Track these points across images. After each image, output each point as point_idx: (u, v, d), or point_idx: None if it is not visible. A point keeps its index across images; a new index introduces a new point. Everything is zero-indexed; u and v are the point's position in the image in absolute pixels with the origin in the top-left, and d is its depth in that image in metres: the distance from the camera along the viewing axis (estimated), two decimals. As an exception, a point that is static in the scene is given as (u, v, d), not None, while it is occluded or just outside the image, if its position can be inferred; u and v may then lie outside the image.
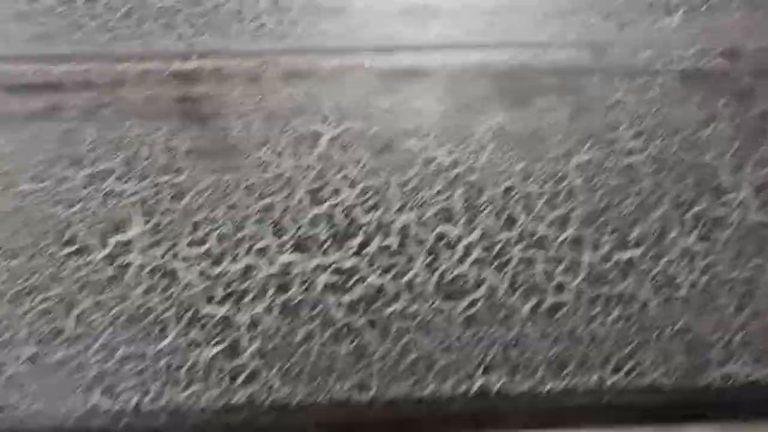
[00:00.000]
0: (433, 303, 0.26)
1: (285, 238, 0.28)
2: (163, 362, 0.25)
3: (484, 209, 0.28)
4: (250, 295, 0.27)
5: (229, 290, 0.27)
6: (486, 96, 0.30)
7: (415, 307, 0.26)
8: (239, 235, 0.28)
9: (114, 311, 0.26)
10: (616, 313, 0.27)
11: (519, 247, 0.27)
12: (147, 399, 0.25)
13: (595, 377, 0.26)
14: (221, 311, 0.26)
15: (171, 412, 0.25)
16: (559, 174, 0.29)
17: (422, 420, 0.25)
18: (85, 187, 0.28)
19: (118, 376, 0.25)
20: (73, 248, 0.27)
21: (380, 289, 0.27)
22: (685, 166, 0.29)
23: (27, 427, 0.25)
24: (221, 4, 0.32)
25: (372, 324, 0.26)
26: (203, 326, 0.26)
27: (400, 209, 0.28)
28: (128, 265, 0.27)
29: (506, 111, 0.30)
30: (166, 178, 0.29)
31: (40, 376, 0.25)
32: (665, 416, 0.27)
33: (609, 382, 0.26)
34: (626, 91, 0.30)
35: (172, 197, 0.28)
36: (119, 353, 0.25)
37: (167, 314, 0.26)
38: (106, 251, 0.27)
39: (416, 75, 0.30)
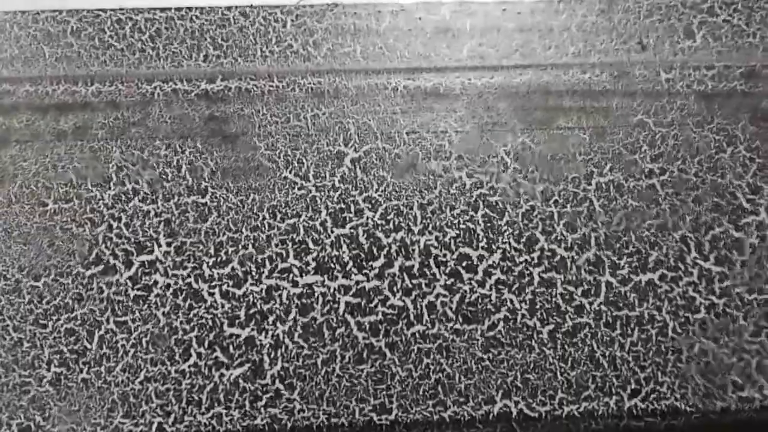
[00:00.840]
0: (453, 325, 0.27)
1: (308, 259, 0.28)
2: (185, 383, 0.26)
3: (505, 231, 0.28)
4: (273, 316, 0.27)
5: (253, 311, 0.27)
6: (508, 117, 0.30)
7: (436, 329, 0.27)
8: (262, 256, 0.28)
9: (138, 332, 0.26)
10: (634, 336, 0.27)
11: (539, 269, 0.28)
12: (169, 421, 0.25)
13: (613, 401, 0.26)
14: (244, 332, 0.27)
15: (194, 432, 0.25)
16: (580, 195, 0.29)
17: (443, 442, 0.25)
18: (111, 208, 0.29)
19: (140, 397, 0.25)
20: (99, 269, 0.28)
21: (402, 311, 0.27)
22: (704, 188, 0.29)
23: (53, 445, 0.25)
24: (246, 26, 0.32)
25: (393, 346, 0.26)
26: (226, 348, 0.26)
27: (422, 231, 0.28)
28: (153, 285, 0.27)
29: (528, 132, 0.30)
30: (191, 199, 0.29)
31: (62, 397, 0.25)
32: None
33: (627, 406, 0.26)
34: (647, 113, 0.30)
35: (196, 218, 0.29)
36: (142, 374, 0.26)
37: (190, 335, 0.26)
38: (131, 272, 0.28)
39: (440, 96, 0.30)
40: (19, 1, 0.34)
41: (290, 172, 0.29)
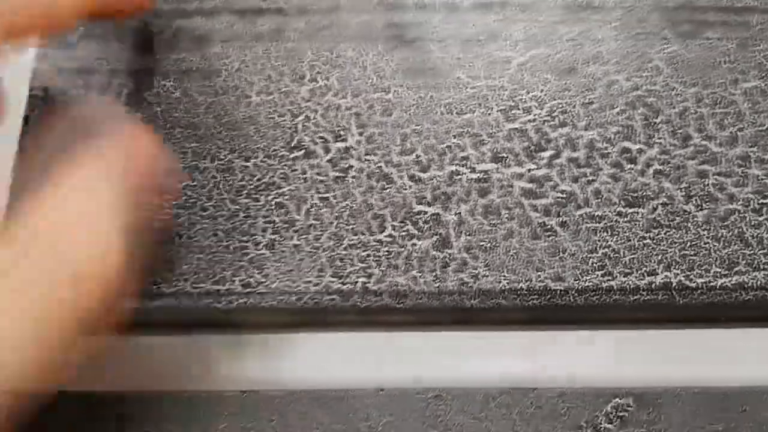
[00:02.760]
0: (617, 208, 0.30)
1: (483, 149, 0.32)
2: (383, 251, 0.29)
3: (661, 128, 0.32)
4: (455, 198, 0.30)
5: (437, 192, 0.30)
6: (660, 28, 0.33)
7: (601, 211, 0.30)
8: (443, 146, 0.32)
9: (339, 207, 0.30)
10: (780, 220, 0.30)
11: (693, 162, 0.31)
12: (371, 281, 0.29)
13: (761, 274, 0.29)
14: (431, 210, 0.30)
15: (392, 293, 0.29)
16: (728, 98, 0.32)
17: (610, 306, 0.29)
18: (307, 101, 0.32)
19: (345, 261, 0.29)
20: (301, 152, 0.31)
21: (570, 195, 0.30)
22: (840, 94, 0.32)
23: (267, 302, 0.29)
24: (413, -57, 0.35)
25: (564, 225, 0.30)
26: (416, 222, 0.30)
27: (586, 127, 0.32)
28: (349, 168, 0.31)
29: (679, 41, 0.33)
30: (376, 95, 0.32)
31: (277, 259, 0.29)
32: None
33: (775, 279, 0.29)
34: (786, 27, 0.33)
35: (382, 112, 0.32)
36: (345, 242, 0.29)
37: (384, 211, 0.30)
38: (329, 156, 0.31)
39: (596, 8, 0.34)
40: None
41: (462, 73, 0.33)
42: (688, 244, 0.30)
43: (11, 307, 0.20)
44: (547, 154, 0.32)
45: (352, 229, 0.31)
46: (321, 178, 0.31)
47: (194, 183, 0.31)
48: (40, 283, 0.20)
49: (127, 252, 0.22)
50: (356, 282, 0.30)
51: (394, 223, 0.31)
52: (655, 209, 0.31)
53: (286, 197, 0.31)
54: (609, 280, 0.30)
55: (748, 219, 0.31)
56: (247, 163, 0.31)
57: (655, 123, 0.32)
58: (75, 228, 0.21)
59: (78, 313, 0.21)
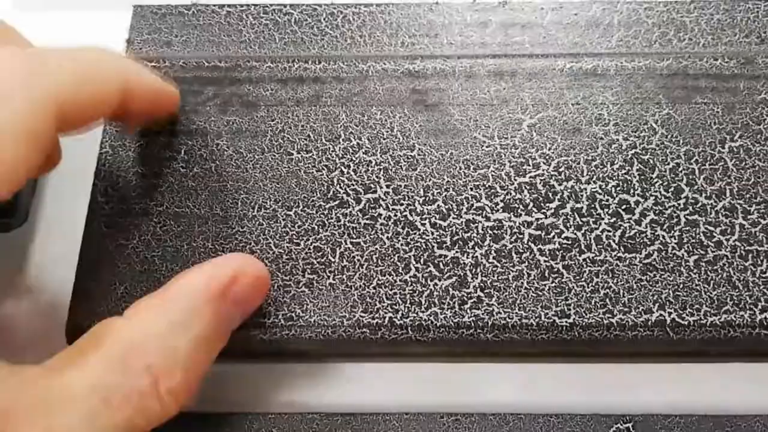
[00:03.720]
0: (617, 253, 0.34)
1: (497, 200, 0.36)
2: (408, 289, 0.33)
3: (656, 182, 0.36)
4: (472, 243, 0.35)
5: (456, 238, 0.35)
6: (654, 93, 0.37)
7: (602, 255, 0.34)
8: (461, 197, 0.36)
9: (369, 250, 0.34)
10: (764, 265, 0.34)
11: (685, 212, 0.35)
12: (397, 316, 0.33)
13: (747, 314, 0.33)
14: (450, 254, 0.34)
15: (415, 327, 0.33)
16: (716, 156, 0.36)
17: (610, 341, 0.33)
18: (341, 157, 0.37)
19: (374, 298, 0.33)
20: (336, 203, 0.36)
21: (574, 241, 0.34)
22: (818, 153, 0.36)
23: (306, 333, 0.33)
24: (433, 19, 0.40)
25: (569, 267, 0.34)
26: (437, 264, 0.34)
27: (588, 181, 0.36)
28: (378, 216, 0.35)
29: (671, 105, 0.37)
30: (402, 152, 0.37)
31: (314, 296, 0.33)
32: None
33: (759, 318, 0.33)
34: (769, 93, 0.37)
35: (407, 167, 0.37)
36: (374, 282, 0.34)
37: (409, 254, 0.34)
38: (361, 206, 0.36)
39: (597, 75, 0.38)
40: (250, -2, 0.42)
41: (479, 134, 0.37)
42: (681, 285, 0.34)
43: None
44: (553, 204, 0.36)
45: (381, 270, 0.35)
46: (353, 225, 0.35)
47: (243, 230, 0.35)
48: None
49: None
50: (384, 317, 0.34)
51: (418, 265, 0.35)
52: (650, 254, 0.35)
53: (323, 242, 0.35)
54: (610, 317, 0.34)
55: (735, 264, 0.34)
56: (290, 212, 0.36)
57: (650, 178, 0.36)
58: None
59: None
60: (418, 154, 0.37)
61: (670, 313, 0.34)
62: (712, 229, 0.35)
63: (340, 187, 0.36)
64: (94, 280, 0.35)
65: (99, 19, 0.43)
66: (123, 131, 0.37)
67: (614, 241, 0.35)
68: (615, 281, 0.34)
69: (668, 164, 0.36)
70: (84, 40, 0.40)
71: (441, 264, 0.35)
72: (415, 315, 0.34)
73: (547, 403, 0.34)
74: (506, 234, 0.35)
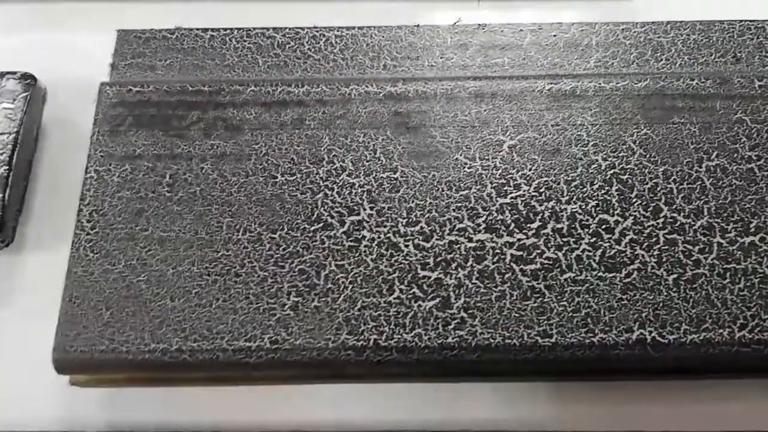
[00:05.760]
0: (597, 273, 0.34)
1: (479, 221, 0.36)
2: (392, 311, 0.34)
3: (635, 202, 0.36)
4: (455, 264, 0.35)
5: (439, 259, 0.35)
6: (633, 114, 0.38)
7: (583, 276, 0.35)
8: (443, 218, 0.36)
9: (353, 272, 0.35)
10: (741, 283, 0.34)
11: (664, 231, 0.35)
12: (382, 338, 0.33)
13: (726, 331, 0.33)
14: (434, 275, 0.35)
15: (400, 348, 0.33)
16: (693, 175, 0.37)
17: (592, 360, 0.33)
18: (325, 180, 0.37)
19: (359, 320, 0.34)
20: (320, 225, 0.36)
21: (556, 261, 0.35)
22: (793, 171, 0.37)
23: (291, 356, 0.33)
24: (414, 42, 0.41)
25: (550, 287, 0.34)
26: (420, 285, 0.34)
27: (568, 201, 0.37)
28: (362, 238, 0.36)
29: (649, 126, 0.38)
30: (385, 174, 0.37)
31: (300, 319, 0.34)
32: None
33: (737, 335, 0.34)
34: (744, 112, 0.38)
35: (390, 189, 0.37)
36: (359, 304, 0.34)
37: (393, 276, 0.35)
38: (345, 228, 0.36)
39: (576, 96, 0.39)
40: (234, 20, 0.43)
41: (460, 155, 0.38)
42: (661, 304, 0.35)
43: None
44: (534, 225, 0.36)
45: (365, 292, 0.35)
46: (337, 247, 0.36)
47: (229, 253, 0.36)
48: None
49: None
50: (369, 339, 0.34)
51: (402, 287, 0.35)
52: (630, 274, 0.35)
53: (308, 264, 0.36)
54: (591, 336, 0.34)
55: (713, 282, 0.35)
56: (274, 235, 0.36)
57: (629, 197, 0.36)
58: None
59: None
60: (401, 176, 0.37)
61: (650, 332, 0.34)
62: (690, 247, 0.36)
63: (325, 210, 0.37)
64: (80, 305, 0.35)
65: (83, 43, 0.43)
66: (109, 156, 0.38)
67: (595, 260, 0.36)
68: (596, 301, 0.35)
69: (647, 184, 0.37)
70: (69, 64, 0.41)
71: (425, 285, 0.35)
72: (400, 336, 0.34)
73: (530, 422, 0.35)
74: (488, 255, 0.36)
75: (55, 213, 0.39)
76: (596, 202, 0.36)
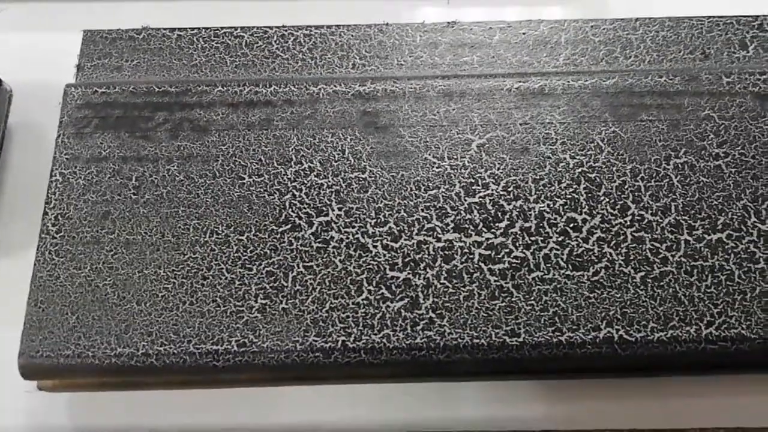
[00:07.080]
0: (565, 271, 0.35)
1: (447, 221, 0.36)
2: (360, 312, 0.34)
3: (603, 200, 0.36)
4: (423, 264, 0.35)
5: (407, 259, 0.35)
6: (601, 111, 0.38)
7: (551, 274, 0.35)
8: (412, 218, 0.36)
9: (321, 274, 0.35)
10: (708, 281, 0.34)
11: (631, 229, 0.36)
12: (350, 339, 0.33)
13: (693, 329, 0.34)
14: (402, 275, 0.35)
15: (368, 350, 0.33)
16: (661, 173, 0.37)
17: (560, 359, 0.33)
18: (293, 181, 0.37)
19: (327, 322, 0.34)
20: (288, 226, 0.36)
21: (524, 260, 0.35)
22: (760, 168, 0.37)
23: (259, 359, 0.33)
24: (384, 41, 0.41)
25: (518, 287, 0.34)
26: (389, 286, 0.34)
27: (536, 200, 0.37)
28: (330, 239, 0.36)
29: (617, 123, 0.38)
30: (354, 175, 0.37)
31: (268, 321, 0.34)
32: (748, 364, 0.34)
33: (704, 333, 0.34)
34: (712, 109, 0.38)
35: (359, 189, 0.37)
36: (327, 305, 0.34)
37: (361, 277, 0.35)
38: (313, 229, 0.36)
39: (545, 95, 0.39)
40: (201, 20, 0.43)
41: (429, 155, 0.38)
42: (628, 302, 0.35)
43: None
44: (502, 224, 0.36)
45: (333, 293, 0.35)
46: (305, 248, 0.36)
47: (196, 256, 0.36)
48: None
49: None
50: (337, 340, 0.34)
51: (370, 287, 0.35)
52: (598, 272, 0.35)
53: (275, 266, 0.35)
54: (559, 335, 0.34)
55: (680, 280, 0.35)
56: (242, 237, 0.36)
57: (597, 196, 0.36)
58: None
59: None
60: (370, 176, 0.37)
61: (617, 330, 0.34)
62: (658, 245, 0.36)
63: (293, 211, 0.37)
64: (46, 309, 0.35)
65: (49, 44, 0.42)
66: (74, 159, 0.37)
67: (562, 259, 0.36)
68: (563, 299, 0.35)
69: (615, 182, 0.37)
70: (34, 65, 0.40)
71: (393, 286, 0.35)
72: (368, 338, 0.34)
73: (500, 420, 0.35)
74: (457, 254, 0.36)
75: (21, 216, 0.39)
76: (564, 200, 0.36)
